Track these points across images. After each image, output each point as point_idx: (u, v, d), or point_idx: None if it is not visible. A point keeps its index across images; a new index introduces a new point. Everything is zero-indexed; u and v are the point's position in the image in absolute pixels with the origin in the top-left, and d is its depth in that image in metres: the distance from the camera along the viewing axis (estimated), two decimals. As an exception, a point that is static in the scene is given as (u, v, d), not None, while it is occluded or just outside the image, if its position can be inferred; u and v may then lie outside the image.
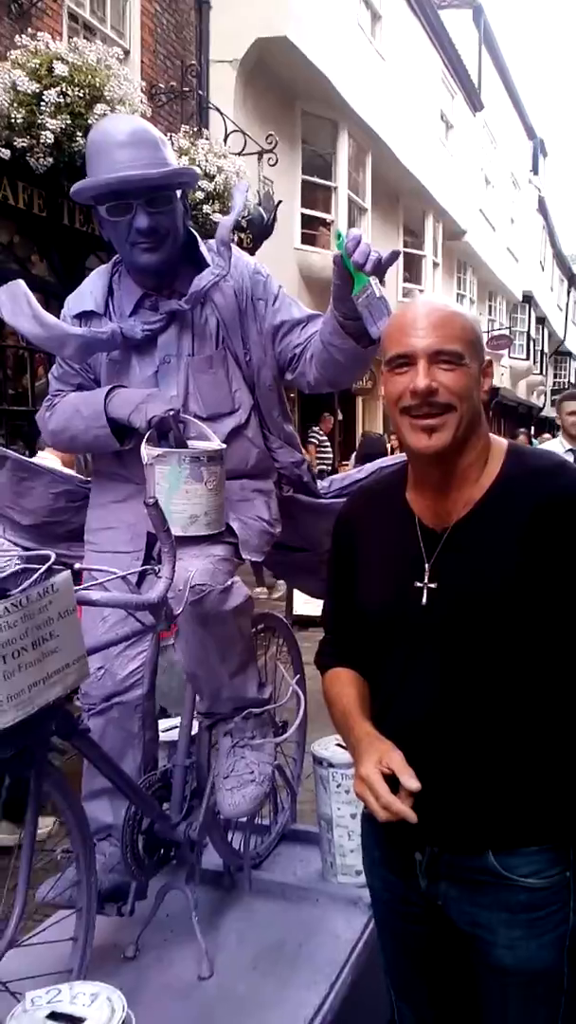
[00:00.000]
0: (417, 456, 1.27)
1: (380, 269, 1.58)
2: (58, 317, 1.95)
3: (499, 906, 1.25)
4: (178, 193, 1.83)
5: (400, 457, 2.37)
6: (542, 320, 26.40)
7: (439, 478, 1.28)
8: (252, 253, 7.56)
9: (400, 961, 1.44)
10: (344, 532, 1.44)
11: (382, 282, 1.62)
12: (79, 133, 5.29)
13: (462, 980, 1.34)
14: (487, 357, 1.29)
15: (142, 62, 7.55)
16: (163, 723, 2.23)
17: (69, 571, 1.35)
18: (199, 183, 6.63)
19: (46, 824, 2.37)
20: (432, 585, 1.27)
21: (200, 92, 8.27)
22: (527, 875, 1.23)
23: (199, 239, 1.94)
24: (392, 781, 1.19)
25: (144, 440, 1.77)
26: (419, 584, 1.27)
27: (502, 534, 1.23)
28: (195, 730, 2.05)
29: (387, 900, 1.41)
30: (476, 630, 1.22)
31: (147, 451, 1.74)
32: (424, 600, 1.27)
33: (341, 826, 2.22)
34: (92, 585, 1.53)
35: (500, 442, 1.32)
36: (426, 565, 1.27)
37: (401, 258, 14.22)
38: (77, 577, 1.47)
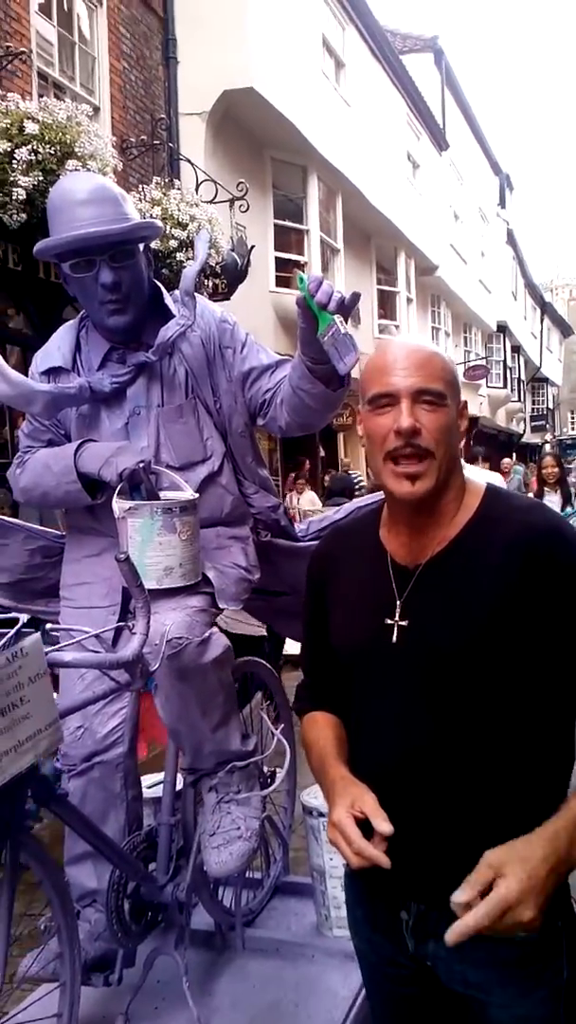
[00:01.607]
0: (398, 501, 1.26)
1: (344, 309, 1.59)
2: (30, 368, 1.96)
3: (491, 963, 1.20)
4: (141, 247, 1.84)
5: (377, 496, 2.37)
6: (517, 348, 26.74)
7: (416, 518, 1.27)
8: (227, 298, 7.65)
9: None
10: (318, 571, 1.43)
11: (352, 322, 1.63)
12: (50, 189, 5.35)
13: None
14: (463, 398, 1.29)
15: (112, 117, 7.68)
16: (146, 779, 2.19)
17: (39, 634, 1.33)
18: (172, 232, 6.71)
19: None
20: (403, 623, 1.25)
21: (171, 144, 8.41)
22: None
23: (163, 291, 1.95)
24: (367, 826, 1.15)
25: (115, 493, 1.75)
26: (390, 621, 1.26)
27: (475, 572, 1.21)
28: (179, 786, 2.01)
29: (374, 962, 1.36)
30: (446, 669, 1.20)
31: (118, 504, 1.72)
32: (394, 638, 1.25)
33: (335, 877, 2.17)
34: (66, 645, 1.50)
35: (478, 484, 1.32)
36: (397, 603, 1.26)
37: (376, 295, 14.46)
38: (51, 637, 1.44)
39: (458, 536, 1.25)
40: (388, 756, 1.23)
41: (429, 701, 1.21)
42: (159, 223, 1.94)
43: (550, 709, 1.20)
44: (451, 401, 1.23)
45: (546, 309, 32.51)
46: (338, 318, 1.56)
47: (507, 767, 1.19)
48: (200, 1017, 1.84)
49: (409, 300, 15.54)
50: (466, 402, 1.28)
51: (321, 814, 2.18)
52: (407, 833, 1.14)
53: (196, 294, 1.91)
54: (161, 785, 2.06)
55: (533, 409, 31.45)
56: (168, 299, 1.94)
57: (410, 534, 1.28)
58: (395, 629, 1.25)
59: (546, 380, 32.86)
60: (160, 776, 2.14)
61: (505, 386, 24.40)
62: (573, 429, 40.16)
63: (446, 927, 1.20)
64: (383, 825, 1.13)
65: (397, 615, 1.25)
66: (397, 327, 14.93)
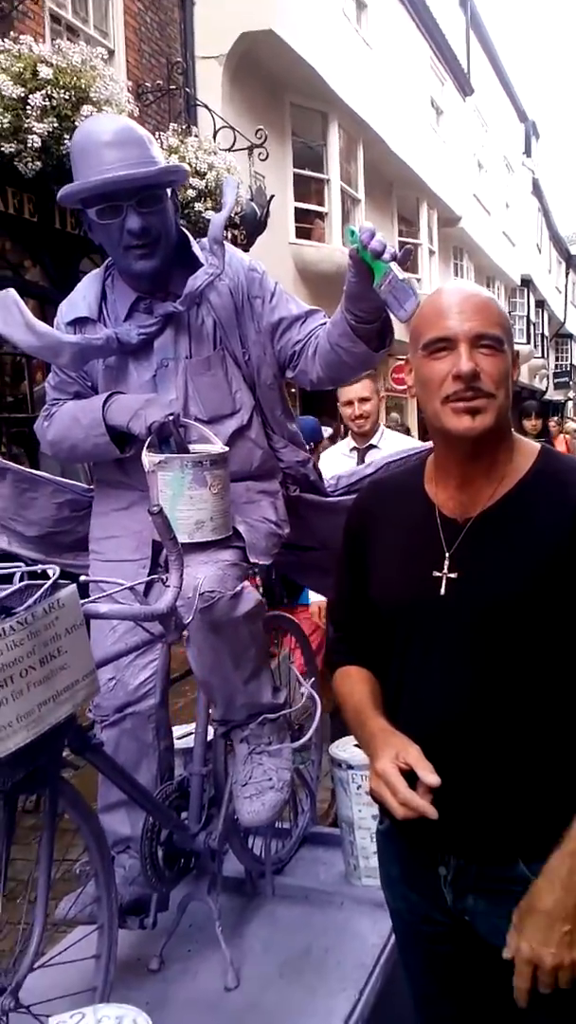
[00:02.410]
0: (456, 440, 1.23)
1: (398, 262, 1.55)
2: (52, 323, 1.93)
3: None
4: (168, 192, 1.80)
5: (407, 451, 2.34)
6: (541, 303, 26.25)
7: (468, 468, 1.25)
8: (246, 249, 7.53)
9: (425, 982, 1.40)
10: (358, 523, 1.41)
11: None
12: (66, 136, 5.23)
13: (492, 1000, 1.29)
14: (516, 349, 1.27)
15: (127, 61, 7.49)
16: (177, 730, 2.21)
17: (75, 585, 1.32)
18: (190, 181, 6.58)
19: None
20: (452, 575, 1.24)
21: (187, 89, 8.21)
22: None
23: (191, 238, 1.90)
24: (409, 778, 1.15)
25: (145, 447, 1.73)
26: (438, 574, 1.24)
27: (529, 527, 1.20)
28: (210, 737, 2.02)
29: (409, 919, 1.37)
30: (496, 622, 1.19)
31: (148, 458, 1.70)
32: (443, 591, 1.24)
33: (363, 828, 2.19)
34: (99, 597, 1.50)
35: (531, 444, 1.31)
36: (447, 555, 1.24)
37: (397, 247, 14.13)
38: (83, 590, 1.44)
39: (512, 491, 1.24)
40: (432, 709, 1.23)
41: (476, 654, 1.20)
42: (186, 167, 1.88)
43: None
44: (507, 347, 1.21)
45: (572, 263, 31.81)
46: (394, 265, 1.53)
47: (552, 723, 1.18)
48: (232, 960, 1.88)
49: (431, 252, 15.25)
50: (519, 352, 1.26)
51: (350, 766, 2.19)
52: (449, 786, 1.14)
53: (224, 242, 1.87)
54: (192, 736, 2.07)
55: (557, 366, 30.95)
56: (196, 247, 1.90)
57: (460, 486, 1.27)
58: (443, 581, 1.24)
59: (570, 336, 32.27)
60: (191, 727, 2.16)
61: (528, 342, 23.99)
62: (598, 385, 39.56)
63: (486, 881, 1.22)
64: (429, 776, 1.13)
65: (446, 567, 1.24)
66: (419, 279, 14.66)
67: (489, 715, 1.20)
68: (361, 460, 3.46)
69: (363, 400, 3.49)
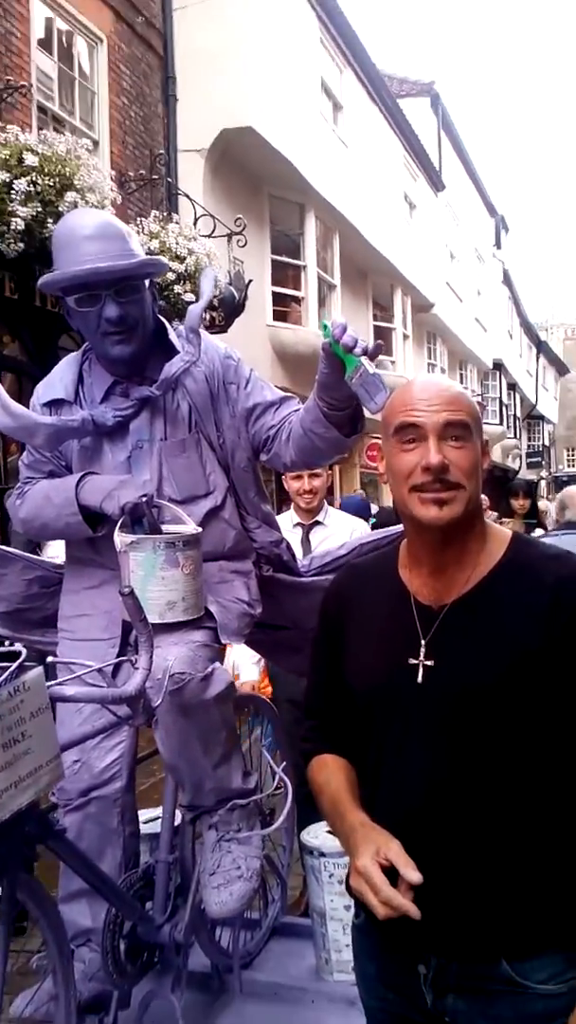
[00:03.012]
0: (425, 529, 1.25)
1: (368, 354, 1.60)
2: (29, 400, 1.96)
3: (515, 1018, 1.16)
4: (146, 282, 1.86)
5: (381, 534, 2.37)
6: (513, 386, 26.97)
7: (440, 555, 1.26)
8: (224, 331, 7.72)
9: None
10: (333, 608, 1.40)
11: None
12: (49, 220, 5.41)
13: None
14: (486, 439, 1.29)
15: (111, 152, 7.80)
16: (144, 814, 2.15)
17: (41, 668, 1.31)
18: (169, 265, 6.78)
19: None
20: (429, 663, 1.23)
21: (169, 179, 8.54)
22: (544, 981, 1.15)
23: (168, 326, 1.96)
24: (391, 874, 1.11)
25: (117, 527, 1.75)
26: (414, 661, 1.24)
27: (504, 614, 1.21)
28: (178, 822, 1.97)
29: (385, 1019, 1.31)
30: (474, 709, 1.18)
31: (120, 538, 1.72)
32: (420, 678, 1.23)
33: (335, 919, 2.13)
34: (67, 679, 1.48)
35: (504, 531, 1.33)
36: (422, 642, 1.24)
37: (372, 331, 14.57)
38: (50, 670, 1.42)
39: (486, 578, 1.25)
40: (411, 799, 1.21)
41: (454, 742, 1.19)
42: (164, 260, 1.96)
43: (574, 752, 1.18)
44: (476, 438, 1.24)
45: (541, 348, 32.87)
46: (365, 359, 1.58)
47: (533, 812, 1.17)
48: (196, 1064, 1.79)
49: (405, 336, 15.70)
50: (488, 441, 1.28)
51: (322, 854, 2.15)
52: (430, 881, 1.11)
53: (200, 330, 1.93)
54: (159, 821, 2.02)
55: (529, 446, 31.63)
56: (172, 334, 1.96)
57: (433, 573, 1.28)
58: (420, 669, 1.23)
59: (542, 417, 33.10)
60: (157, 811, 2.10)
61: (501, 423, 24.55)
62: (569, 466, 40.34)
63: (468, 980, 1.18)
64: (412, 874, 1.09)
65: (422, 655, 1.24)
66: (393, 362, 15.05)
67: (469, 804, 1.18)
68: (306, 537, 3.42)
69: (313, 476, 3.40)
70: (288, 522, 3.40)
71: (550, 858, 1.16)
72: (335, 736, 1.37)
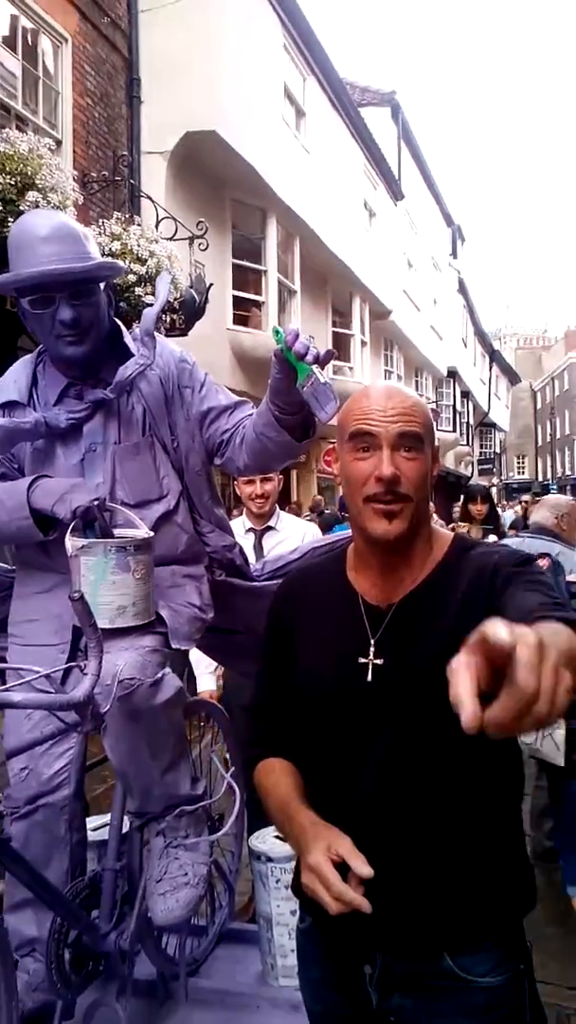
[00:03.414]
0: (374, 540, 1.27)
1: (319, 363, 1.61)
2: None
3: (459, 1012, 1.19)
4: (101, 285, 1.85)
5: (331, 539, 2.39)
6: (466, 394, 27.35)
7: (388, 559, 1.29)
8: (184, 334, 7.68)
9: None
10: (281, 612, 1.42)
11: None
12: (10, 219, 5.34)
13: None
14: (436, 447, 1.32)
15: (74, 152, 7.72)
16: (91, 821, 2.13)
17: (-13, 673, 1.30)
18: (131, 267, 6.74)
19: None
20: (378, 661, 1.25)
21: (132, 181, 8.48)
22: (484, 974, 1.19)
23: (123, 329, 1.96)
24: (341, 871, 1.12)
25: (69, 531, 1.73)
26: (363, 660, 1.26)
27: (446, 607, 1.24)
28: (125, 829, 1.96)
29: (329, 1023, 1.33)
30: (428, 705, 1.19)
31: (71, 542, 1.70)
32: (369, 677, 1.25)
33: (281, 924, 2.14)
34: (15, 685, 1.47)
35: (446, 532, 1.37)
36: (371, 641, 1.27)
37: (331, 337, 14.66)
38: (-2, 676, 1.40)
39: (429, 576, 1.28)
40: (360, 797, 1.23)
41: (404, 740, 1.21)
42: (121, 263, 1.95)
43: (512, 745, 1.22)
44: (428, 448, 1.27)
45: (495, 357, 33.40)
46: (316, 368, 1.58)
47: (476, 807, 1.20)
48: (140, 1072, 1.78)
49: (363, 343, 15.81)
50: (439, 447, 1.32)
51: (270, 859, 2.15)
52: (380, 883, 1.12)
53: (156, 333, 1.92)
54: (106, 828, 2.01)
55: (481, 453, 32.13)
56: (127, 337, 1.95)
57: (381, 575, 1.30)
58: (369, 667, 1.26)
59: (494, 425, 33.64)
60: (105, 818, 2.08)
61: (455, 430, 24.89)
62: (519, 473, 41.04)
63: (412, 977, 1.20)
64: (363, 868, 1.11)
65: (372, 654, 1.26)
66: (351, 368, 15.15)
67: (415, 800, 1.20)
68: (259, 542, 3.39)
69: (265, 480, 3.34)
70: (240, 528, 3.35)
71: (488, 854, 1.20)
72: (282, 740, 1.38)
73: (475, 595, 1.22)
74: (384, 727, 1.23)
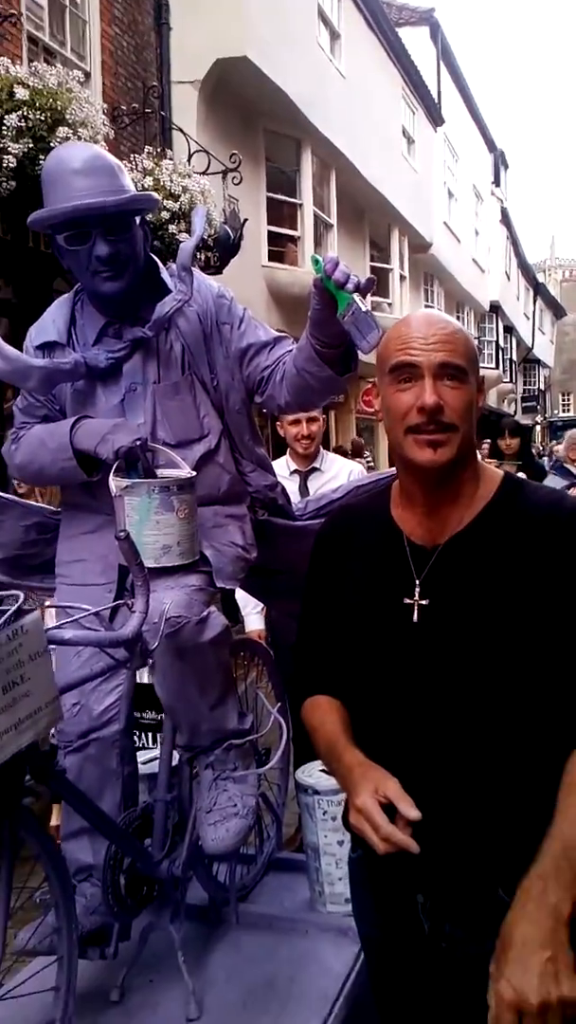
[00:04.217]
0: (419, 470, 1.24)
1: (361, 290, 1.57)
2: (22, 345, 1.92)
3: None
4: (137, 219, 1.81)
5: (376, 476, 2.36)
6: (510, 329, 26.70)
7: (433, 495, 1.27)
8: (219, 271, 7.57)
9: (399, 1011, 1.37)
10: (325, 551, 1.41)
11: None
12: (41, 157, 5.25)
13: None
14: (481, 378, 1.28)
15: (103, 84, 7.54)
16: (142, 755, 2.19)
17: (39, 611, 1.31)
18: (164, 203, 6.61)
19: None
20: (423, 602, 1.24)
21: (163, 113, 8.27)
22: None
23: (160, 265, 1.92)
24: (389, 811, 1.14)
25: (112, 471, 1.73)
26: (408, 601, 1.25)
27: (498, 553, 1.21)
28: (175, 762, 2.01)
29: (383, 948, 1.35)
30: (470, 647, 1.19)
31: (115, 482, 1.70)
32: (415, 617, 1.24)
33: (328, 854, 2.18)
34: (64, 623, 1.49)
35: (495, 471, 1.33)
36: (416, 582, 1.25)
37: (368, 271, 14.34)
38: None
39: (478, 517, 1.25)
40: (408, 737, 1.23)
41: (451, 680, 1.20)
42: (156, 196, 1.90)
43: (564, 690, 1.20)
44: (472, 378, 1.23)
45: (539, 290, 32.44)
46: (357, 297, 1.54)
47: (529, 748, 1.19)
48: (195, 990, 1.86)
49: (402, 277, 15.45)
50: (484, 378, 1.28)
51: (316, 791, 2.19)
52: (430, 819, 1.13)
53: (192, 268, 1.88)
54: (157, 761, 2.06)
55: (524, 390, 31.46)
56: (164, 274, 1.91)
57: (426, 513, 1.28)
58: (415, 608, 1.24)
59: (538, 361, 32.86)
60: (155, 752, 2.14)
61: (497, 367, 24.37)
62: (564, 411, 40.22)
63: (464, 908, 1.21)
64: (411, 811, 1.11)
65: (417, 595, 1.25)
66: (390, 304, 14.84)
67: (466, 740, 1.20)
68: (304, 484, 3.35)
69: (311, 420, 3.29)
70: (284, 469, 3.32)
71: (540, 791, 1.19)
72: (328, 678, 1.38)
73: (524, 543, 1.19)
74: (431, 667, 1.22)
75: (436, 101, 17.13)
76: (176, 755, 2.00)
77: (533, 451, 6.22)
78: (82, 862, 1.91)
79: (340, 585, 1.36)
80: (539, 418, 29.17)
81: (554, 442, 24.41)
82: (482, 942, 1.19)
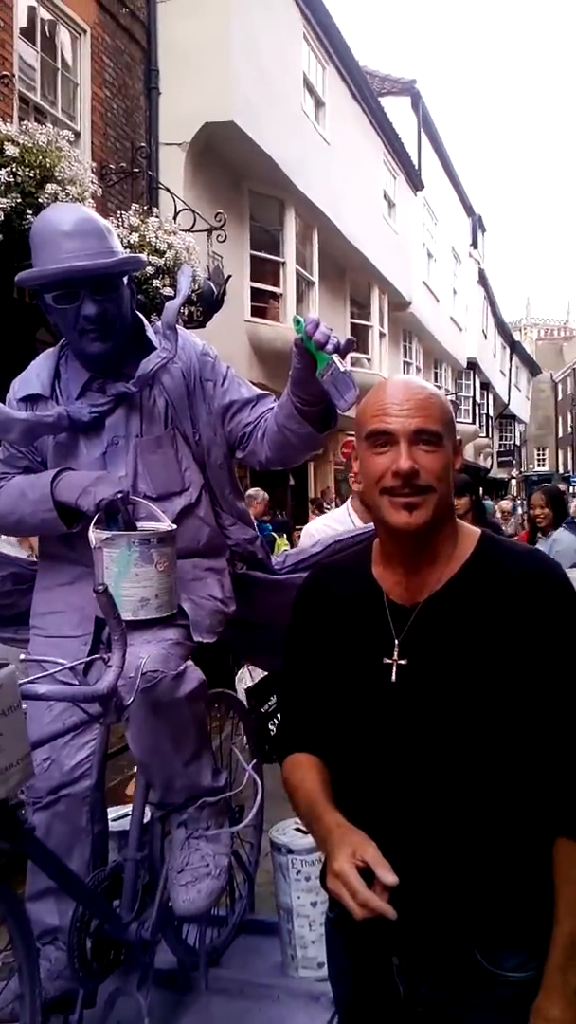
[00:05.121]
0: (395, 532, 1.26)
1: (339, 351, 1.60)
2: (4, 397, 1.94)
3: (486, 1005, 1.18)
4: (124, 279, 1.85)
5: (353, 532, 2.38)
6: (486, 385, 27.21)
7: (412, 555, 1.28)
8: (203, 325, 7.69)
9: None
10: (307, 607, 1.40)
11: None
12: (29, 211, 5.37)
13: None
14: (458, 441, 1.30)
15: (92, 144, 7.74)
16: (113, 812, 2.15)
17: (13, 666, 1.30)
18: (149, 259, 6.74)
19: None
20: (402, 662, 1.24)
21: (150, 172, 8.49)
22: (513, 968, 1.18)
23: (145, 322, 1.96)
24: (367, 875, 1.12)
25: (92, 523, 1.74)
26: (388, 661, 1.25)
27: (474, 612, 1.22)
28: (147, 820, 1.97)
29: (359, 1012, 1.33)
30: (447, 708, 1.19)
31: (95, 534, 1.71)
32: (393, 677, 1.24)
33: (302, 915, 2.15)
34: (39, 677, 1.47)
35: (472, 529, 1.33)
36: (396, 641, 1.26)
37: (349, 328, 14.60)
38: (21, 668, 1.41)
39: (456, 576, 1.26)
40: (385, 798, 1.22)
41: (428, 741, 1.20)
42: (143, 258, 1.95)
43: (540, 751, 1.20)
44: (447, 442, 1.25)
45: (515, 348, 33.18)
46: (336, 357, 1.57)
47: (504, 810, 1.18)
48: (161, 1061, 1.80)
49: (382, 334, 15.75)
50: (461, 440, 1.30)
51: (291, 851, 2.16)
52: (407, 881, 1.12)
53: (177, 326, 1.92)
54: (127, 818, 2.02)
55: (500, 445, 31.94)
56: (149, 331, 1.95)
57: (406, 573, 1.29)
58: (394, 668, 1.25)
59: (514, 417, 33.43)
60: (127, 809, 2.10)
61: (474, 422, 24.76)
62: (539, 466, 40.79)
63: (439, 972, 1.20)
64: (388, 876, 1.10)
65: (396, 654, 1.25)
66: (369, 360, 15.10)
67: (443, 803, 1.19)
68: None
69: None
70: (347, 520, 3.13)
71: (518, 856, 1.18)
72: (309, 735, 1.37)
73: (501, 602, 1.20)
74: (409, 727, 1.22)
75: (416, 167, 17.71)
76: (148, 813, 1.96)
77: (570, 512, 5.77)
78: (47, 924, 1.85)
79: (320, 642, 1.36)
80: (515, 472, 29.51)
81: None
82: (459, 1004, 1.18)
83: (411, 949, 1.22)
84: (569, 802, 1.15)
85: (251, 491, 7.72)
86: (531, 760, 1.19)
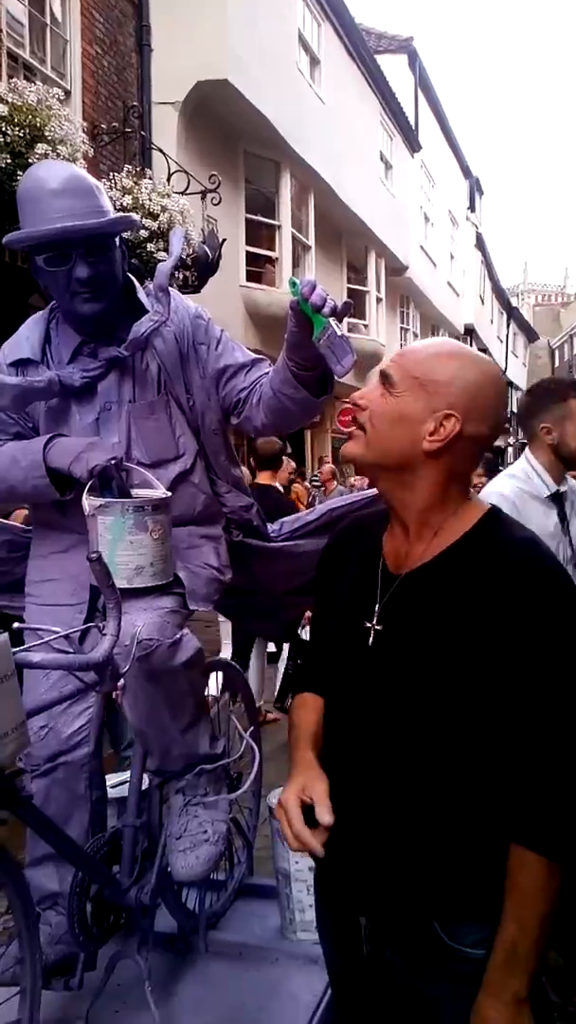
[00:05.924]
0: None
1: (337, 314, 1.56)
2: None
3: (445, 977, 1.19)
4: (116, 240, 1.80)
5: (352, 498, 2.35)
6: (483, 351, 27.04)
7: (403, 523, 1.27)
8: (197, 291, 7.59)
9: None
10: (326, 562, 1.44)
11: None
12: (19, 172, 5.26)
13: None
14: (450, 412, 1.19)
15: (83, 103, 7.56)
16: (111, 779, 2.15)
17: (7, 634, 1.29)
18: (143, 222, 6.63)
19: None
20: (379, 627, 1.25)
21: (143, 133, 8.32)
22: (473, 945, 1.17)
23: (137, 285, 1.91)
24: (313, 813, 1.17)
25: (86, 490, 1.71)
26: (368, 624, 1.26)
27: (453, 592, 1.18)
28: (145, 787, 1.98)
29: (339, 967, 1.36)
30: (416, 679, 1.18)
31: (88, 501, 1.68)
32: (370, 641, 1.25)
33: (300, 880, 2.16)
34: (33, 645, 1.46)
35: (482, 504, 1.28)
36: (376, 606, 1.26)
37: (345, 293, 14.45)
38: (17, 636, 1.40)
39: (447, 550, 1.23)
40: (356, 753, 1.24)
41: (395, 707, 1.20)
42: (136, 217, 1.89)
43: (499, 734, 1.16)
44: (410, 395, 1.20)
45: (512, 314, 32.94)
46: (333, 321, 1.54)
47: (463, 784, 1.16)
48: (162, 1021, 1.82)
49: (379, 300, 15.60)
50: (449, 415, 1.19)
51: (287, 816, 2.16)
52: (365, 839, 1.15)
53: (170, 289, 1.88)
54: (126, 786, 2.02)
55: (497, 411, 31.79)
56: (141, 294, 1.90)
57: (404, 539, 1.28)
58: (372, 632, 1.26)
59: (511, 384, 33.28)
60: (125, 776, 2.10)
61: (470, 388, 24.65)
62: (535, 432, 40.67)
63: (401, 938, 1.21)
64: (325, 816, 1.14)
65: (375, 619, 1.26)
66: (366, 326, 14.96)
67: (405, 769, 1.18)
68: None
69: None
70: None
71: (478, 832, 1.17)
72: (318, 679, 1.40)
73: (485, 586, 1.15)
74: (379, 692, 1.22)
75: (413, 128, 17.41)
76: (146, 780, 1.96)
77: None
78: (47, 890, 1.87)
79: (331, 594, 1.38)
80: (511, 439, 29.41)
81: None
82: (420, 976, 1.19)
83: (375, 911, 1.24)
84: (525, 811, 1.13)
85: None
86: (493, 754, 1.16)
